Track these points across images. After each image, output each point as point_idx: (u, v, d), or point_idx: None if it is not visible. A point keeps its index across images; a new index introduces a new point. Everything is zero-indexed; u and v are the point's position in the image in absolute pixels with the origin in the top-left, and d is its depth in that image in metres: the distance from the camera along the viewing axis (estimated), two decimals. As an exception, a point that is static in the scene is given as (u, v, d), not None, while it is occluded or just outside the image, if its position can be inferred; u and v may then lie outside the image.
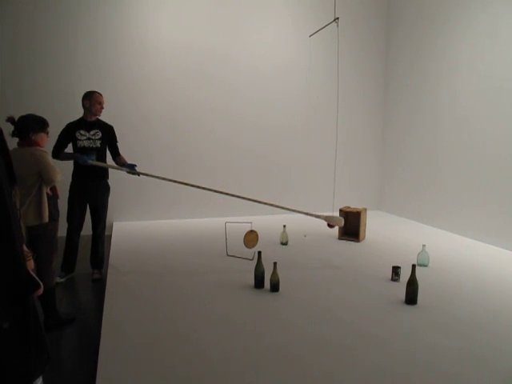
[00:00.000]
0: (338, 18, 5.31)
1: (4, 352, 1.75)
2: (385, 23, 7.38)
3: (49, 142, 3.48)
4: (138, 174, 4.40)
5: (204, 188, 4.56)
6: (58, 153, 4.22)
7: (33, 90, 5.79)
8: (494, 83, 5.24)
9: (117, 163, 4.47)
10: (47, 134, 3.35)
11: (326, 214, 4.76)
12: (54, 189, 3.37)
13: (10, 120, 3.16)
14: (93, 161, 4.18)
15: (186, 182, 4.55)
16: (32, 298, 1.88)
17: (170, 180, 4.49)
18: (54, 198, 3.33)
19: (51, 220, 3.21)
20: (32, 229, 3.07)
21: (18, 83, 5.73)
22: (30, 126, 3.20)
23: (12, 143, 3.17)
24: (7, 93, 5.62)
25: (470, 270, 4.38)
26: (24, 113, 3.28)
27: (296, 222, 6.04)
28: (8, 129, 3.13)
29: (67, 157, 4.24)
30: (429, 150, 6.46)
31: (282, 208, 4.69)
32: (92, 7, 5.98)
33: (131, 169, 4.36)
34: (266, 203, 4.66)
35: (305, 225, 6.03)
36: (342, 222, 4.70)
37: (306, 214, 4.67)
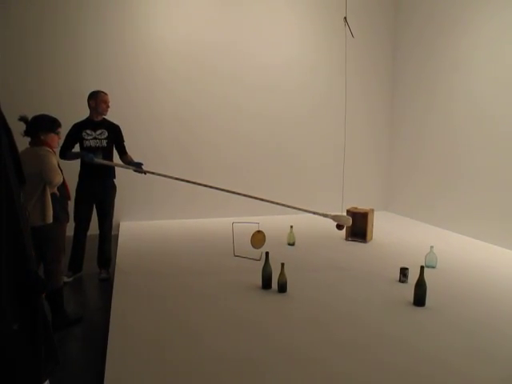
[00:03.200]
0: (345, 18, 5.29)
1: (13, 354, 1.75)
2: (392, 21, 7.34)
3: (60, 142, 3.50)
4: (145, 172, 4.40)
5: (211, 187, 4.54)
6: (65, 153, 4.23)
7: (42, 91, 5.80)
8: None
9: (123, 161, 4.48)
10: (58, 134, 3.35)
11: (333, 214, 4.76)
12: (64, 190, 3.36)
13: (23, 119, 3.17)
14: (98, 159, 4.19)
15: (194, 180, 4.54)
16: (41, 300, 1.88)
17: (176, 178, 4.47)
18: (61, 199, 3.30)
19: (56, 221, 3.18)
20: (36, 229, 3.06)
21: (27, 84, 5.74)
22: (39, 126, 3.20)
23: (25, 143, 3.20)
24: (16, 94, 5.64)
25: (477, 271, 4.35)
26: (33, 113, 3.29)
27: (303, 223, 6.02)
28: (21, 128, 3.16)
29: (73, 156, 4.25)
30: (438, 151, 6.41)
31: (290, 207, 4.67)
32: (101, 7, 5.99)
33: (137, 167, 4.36)
34: (275, 202, 4.64)
35: (312, 225, 6.01)
36: (350, 221, 4.70)
37: (314, 213, 4.65)
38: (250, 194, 4.65)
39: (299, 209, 4.68)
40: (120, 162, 4.47)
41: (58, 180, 3.16)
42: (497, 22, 5.30)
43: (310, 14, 6.94)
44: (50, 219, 3.11)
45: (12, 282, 1.69)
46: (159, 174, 4.44)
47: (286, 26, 6.87)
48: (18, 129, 3.07)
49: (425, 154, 6.69)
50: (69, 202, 3.45)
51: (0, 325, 1.66)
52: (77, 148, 4.33)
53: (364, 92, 7.35)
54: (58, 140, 3.40)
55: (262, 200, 4.61)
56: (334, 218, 4.61)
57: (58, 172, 3.17)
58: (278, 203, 4.65)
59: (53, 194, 3.17)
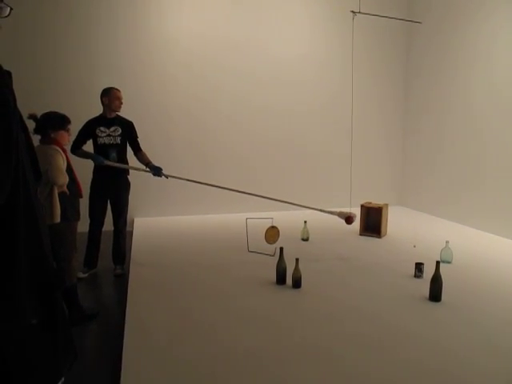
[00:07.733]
0: (353, 12, 5.29)
1: (32, 349, 1.77)
2: (406, 15, 7.24)
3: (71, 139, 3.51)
4: (167, 176, 4.42)
5: (229, 189, 4.69)
6: (75, 150, 4.24)
7: (55, 89, 5.86)
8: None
9: (138, 159, 4.49)
10: (68, 131, 3.35)
11: (346, 209, 4.74)
12: (75, 187, 3.36)
13: (32, 117, 3.17)
14: (109, 160, 4.20)
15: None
16: (60, 296, 1.89)
17: (197, 182, 4.58)
18: (71, 197, 3.28)
19: (65, 220, 3.17)
20: None
21: (40, 82, 5.79)
22: (49, 124, 3.20)
23: (35, 141, 3.22)
24: (30, 92, 5.68)
25: (493, 266, 4.29)
26: (46, 111, 3.31)
27: (317, 218, 5.97)
28: (31, 126, 3.17)
29: (84, 155, 4.26)
30: (454, 145, 6.32)
31: (298, 205, 4.80)
32: (113, 5, 6.01)
33: (156, 171, 4.36)
34: (280, 200, 4.77)
35: (325, 220, 5.97)
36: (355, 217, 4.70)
37: (321, 210, 4.72)
38: (262, 190, 4.66)
39: (308, 207, 4.77)
40: (134, 165, 4.48)
41: (62, 181, 3.14)
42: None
43: (322, 8, 6.88)
44: (58, 218, 3.09)
45: (30, 278, 1.71)
46: (181, 178, 4.48)
47: (298, 21, 6.82)
48: (29, 127, 3.10)
49: (441, 149, 6.60)
50: (82, 199, 3.46)
51: (19, 320, 1.68)
52: (90, 144, 4.35)
53: (377, 86, 7.28)
54: (69, 137, 3.40)
55: (270, 199, 4.70)
56: (340, 214, 4.63)
57: (63, 173, 3.14)
58: (282, 201, 4.78)
59: (62, 193, 3.16)
